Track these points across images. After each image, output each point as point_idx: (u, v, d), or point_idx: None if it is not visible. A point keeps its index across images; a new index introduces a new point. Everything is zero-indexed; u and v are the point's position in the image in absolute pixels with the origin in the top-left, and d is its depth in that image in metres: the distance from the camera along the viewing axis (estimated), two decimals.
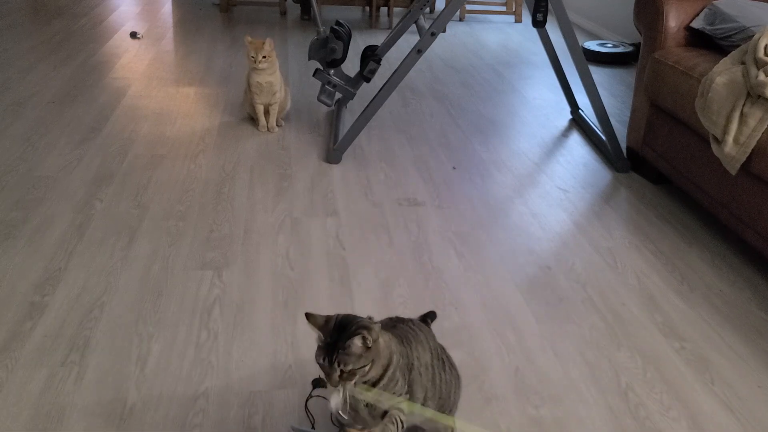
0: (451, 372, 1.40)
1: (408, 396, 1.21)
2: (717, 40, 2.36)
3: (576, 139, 3.05)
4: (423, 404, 1.29)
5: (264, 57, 2.81)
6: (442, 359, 1.38)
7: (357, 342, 1.09)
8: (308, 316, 1.14)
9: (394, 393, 1.18)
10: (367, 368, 1.11)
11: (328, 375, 1.10)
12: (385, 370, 1.16)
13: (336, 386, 1.10)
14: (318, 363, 1.12)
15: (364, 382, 1.15)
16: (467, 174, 2.65)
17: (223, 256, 2.02)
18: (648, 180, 2.66)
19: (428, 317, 1.57)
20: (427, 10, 5.13)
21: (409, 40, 4.61)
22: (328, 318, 1.14)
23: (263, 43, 2.82)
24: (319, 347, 1.12)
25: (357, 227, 2.22)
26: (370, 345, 1.11)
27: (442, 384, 1.34)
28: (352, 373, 1.10)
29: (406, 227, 2.24)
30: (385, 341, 1.17)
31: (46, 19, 4.70)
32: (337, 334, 1.11)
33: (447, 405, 1.37)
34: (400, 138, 2.97)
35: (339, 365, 1.09)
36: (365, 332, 1.10)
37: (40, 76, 3.52)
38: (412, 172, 2.65)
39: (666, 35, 2.46)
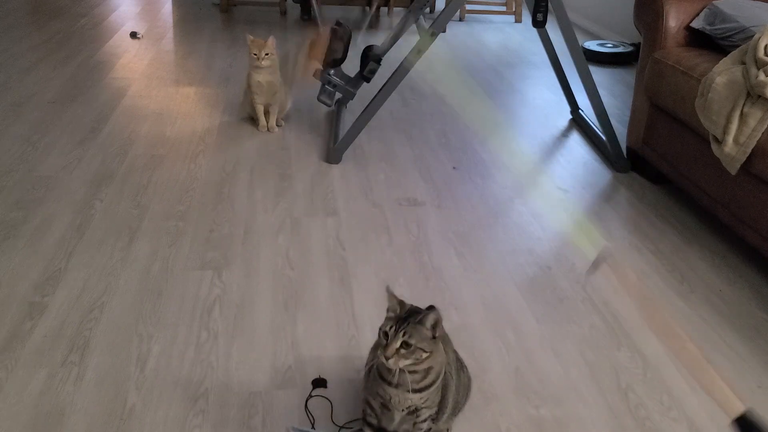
0: (466, 374, 1.40)
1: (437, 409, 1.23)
2: (717, 40, 2.36)
3: (576, 139, 3.05)
4: (452, 410, 1.30)
5: (267, 54, 2.81)
6: (458, 358, 1.37)
7: (432, 317, 1.12)
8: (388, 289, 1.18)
9: (429, 406, 1.21)
10: (423, 357, 1.12)
11: (388, 345, 1.11)
12: (435, 380, 1.17)
13: (390, 357, 1.11)
14: (382, 332, 1.13)
15: (415, 390, 1.15)
16: (467, 174, 2.65)
17: (223, 256, 2.02)
18: (648, 180, 2.65)
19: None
20: (427, 10, 5.13)
21: (409, 40, 4.61)
22: (402, 301, 1.18)
23: (265, 42, 2.82)
24: (388, 318, 1.15)
25: (357, 227, 2.22)
26: (437, 335, 1.14)
27: (461, 386, 1.34)
28: (410, 350, 1.11)
29: (406, 227, 2.24)
30: (442, 350, 1.19)
31: (45, 19, 4.69)
32: (409, 315, 1.14)
33: (458, 407, 1.37)
34: (400, 138, 2.97)
35: (404, 335, 1.11)
36: (439, 317, 1.14)
37: (40, 76, 3.52)
38: (412, 172, 2.65)
39: (666, 35, 2.46)
